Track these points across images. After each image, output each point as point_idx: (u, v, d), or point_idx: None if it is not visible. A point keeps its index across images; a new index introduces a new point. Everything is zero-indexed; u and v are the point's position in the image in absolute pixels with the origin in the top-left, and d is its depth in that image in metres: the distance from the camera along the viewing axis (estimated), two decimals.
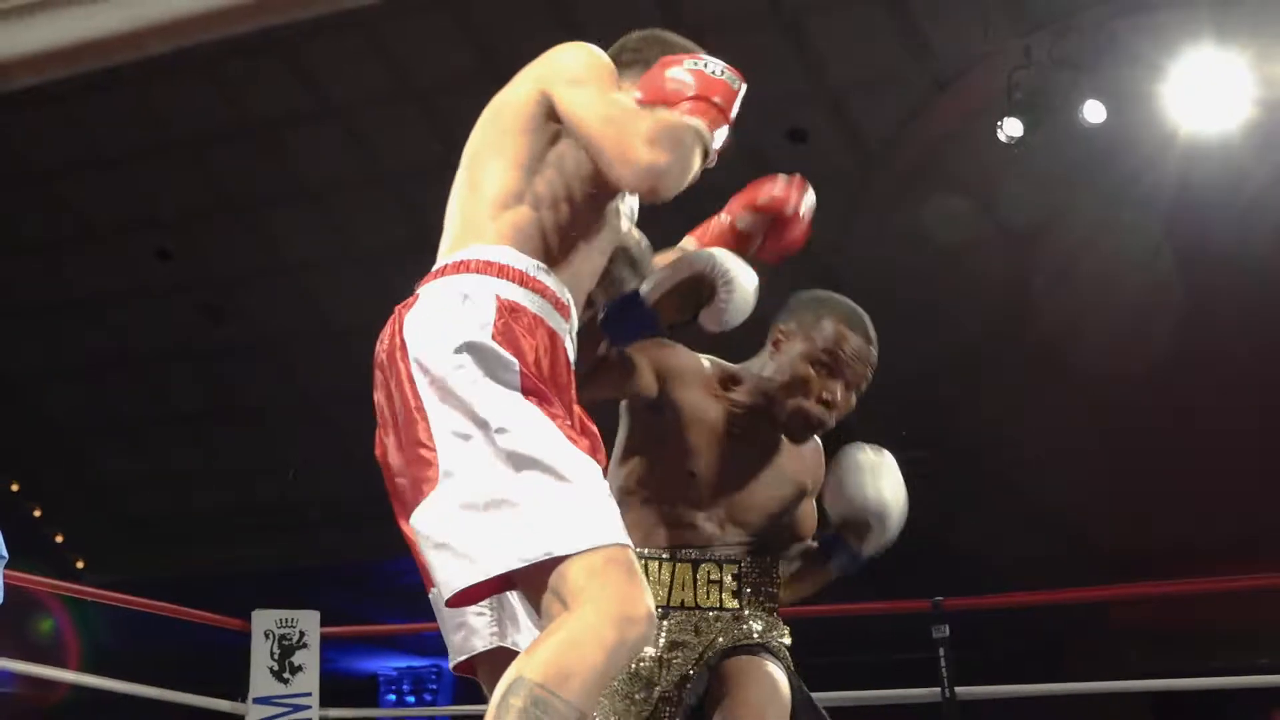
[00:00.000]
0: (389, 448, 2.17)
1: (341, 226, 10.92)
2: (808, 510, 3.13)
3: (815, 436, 3.07)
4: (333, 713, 5.92)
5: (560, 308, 2.25)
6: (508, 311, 2.15)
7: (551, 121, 2.29)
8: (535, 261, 2.23)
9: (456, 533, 2.02)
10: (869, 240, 10.04)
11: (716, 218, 2.89)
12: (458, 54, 10.07)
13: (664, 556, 2.91)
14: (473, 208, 2.29)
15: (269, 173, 11.17)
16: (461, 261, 2.22)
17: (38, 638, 11.49)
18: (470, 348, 2.10)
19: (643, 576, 2.00)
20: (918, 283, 9.90)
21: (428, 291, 2.22)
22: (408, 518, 2.11)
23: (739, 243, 2.84)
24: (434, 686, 13.91)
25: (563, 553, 1.96)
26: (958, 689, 5.12)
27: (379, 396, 2.20)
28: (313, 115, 10.72)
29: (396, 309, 2.23)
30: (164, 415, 12.88)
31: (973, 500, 10.65)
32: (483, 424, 2.05)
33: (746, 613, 2.92)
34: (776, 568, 3.02)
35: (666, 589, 2.90)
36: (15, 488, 13.74)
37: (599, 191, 2.30)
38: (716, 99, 2.32)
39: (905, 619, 6.58)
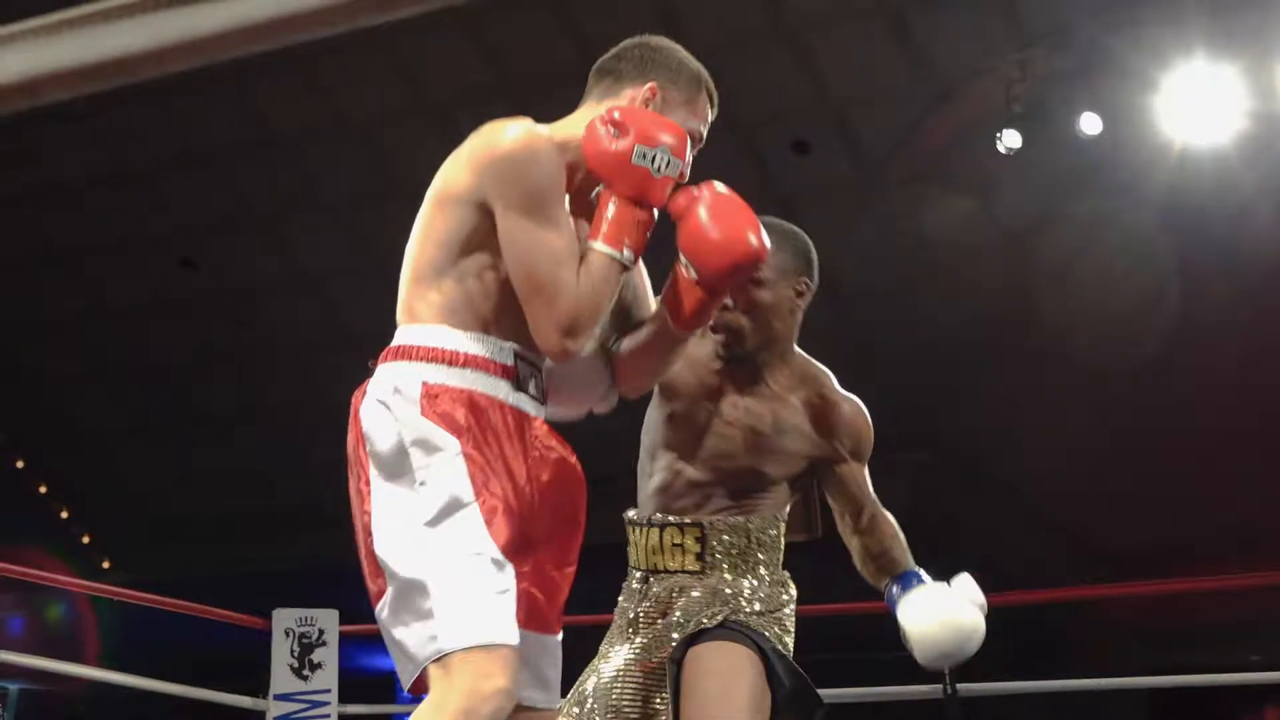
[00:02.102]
0: (356, 519, 2.33)
1: (361, 237, 11.04)
2: (825, 474, 3.03)
3: (849, 401, 3.04)
4: (351, 709, 5.88)
5: (499, 370, 2.35)
6: (433, 397, 2.28)
7: (483, 213, 2.35)
8: (468, 333, 2.35)
9: (399, 632, 2.24)
10: (871, 248, 10.14)
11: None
12: (473, 70, 10.19)
13: (643, 522, 2.97)
14: (408, 283, 2.41)
15: (290, 185, 11.30)
16: (399, 348, 2.35)
17: (66, 636, 11.54)
18: (411, 442, 2.25)
19: (509, 659, 2.18)
20: (918, 290, 10.00)
21: (374, 380, 2.35)
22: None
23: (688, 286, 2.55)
24: None
25: (451, 649, 2.16)
26: (959, 685, 5.10)
27: (349, 471, 2.36)
28: (332, 129, 10.84)
29: (354, 398, 2.37)
30: (188, 418, 12.97)
31: (972, 499, 10.71)
32: (416, 520, 2.22)
33: (704, 579, 2.90)
34: (767, 525, 2.97)
35: (645, 554, 2.95)
36: (44, 489, 13.84)
37: None
38: (647, 207, 2.40)
39: None
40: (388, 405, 2.29)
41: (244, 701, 5.88)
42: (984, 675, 5.49)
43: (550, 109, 9.61)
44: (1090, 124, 8.73)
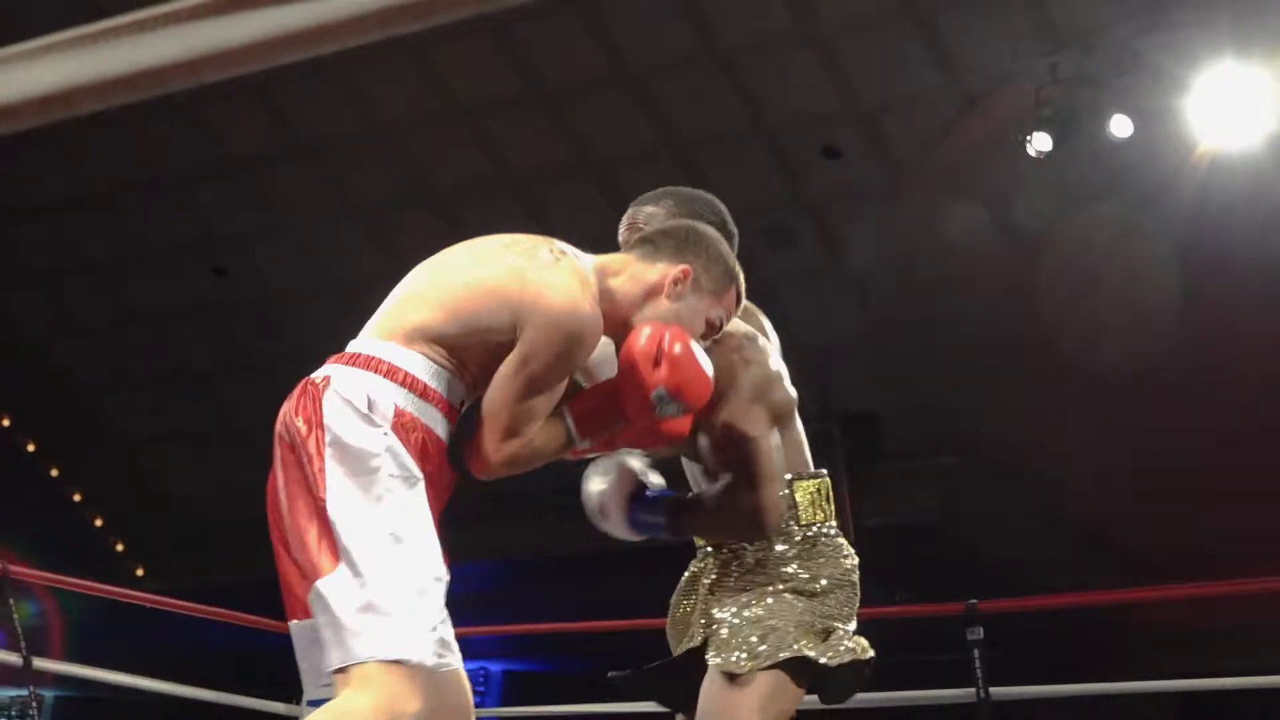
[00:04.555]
0: (282, 499, 2.43)
1: (390, 243, 11.10)
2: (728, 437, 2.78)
3: (732, 336, 2.83)
4: None
5: (448, 411, 2.48)
6: (403, 422, 2.39)
7: (509, 326, 2.47)
8: (440, 369, 2.46)
9: (341, 620, 2.29)
10: (901, 252, 10.16)
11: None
12: (502, 77, 10.24)
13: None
14: (412, 314, 2.50)
15: (320, 192, 11.38)
16: (375, 359, 2.45)
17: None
18: (385, 451, 2.35)
19: (428, 687, 2.29)
20: (948, 293, 10.02)
21: (341, 382, 2.43)
22: (289, 562, 2.41)
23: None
24: (481, 688, 13.95)
25: (399, 657, 2.26)
26: (992, 689, 5.07)
27: (282, 456, 2.44)
28: (362, 136, 10.91)
29: (307, 385, 2.46)
30: (220, 426, 13.07)
31: (1002, 504, 10.71)
32: (388, 523, 2.32)
33: (714, 605, 2.82)
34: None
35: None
36: (78, 498, 13.96)
37: None
38: (628, 425, 2.57)
39: (937, 622, 6.62)
40: (364, 413, 2.38)
41: (277, 708, 5.93)
42: (1011, 679, 5.50)
43: (577, 116, 9.70)
44: (1121, 127, 8.72)
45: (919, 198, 9.98)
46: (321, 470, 2.35)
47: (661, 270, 2.62)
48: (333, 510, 2.33)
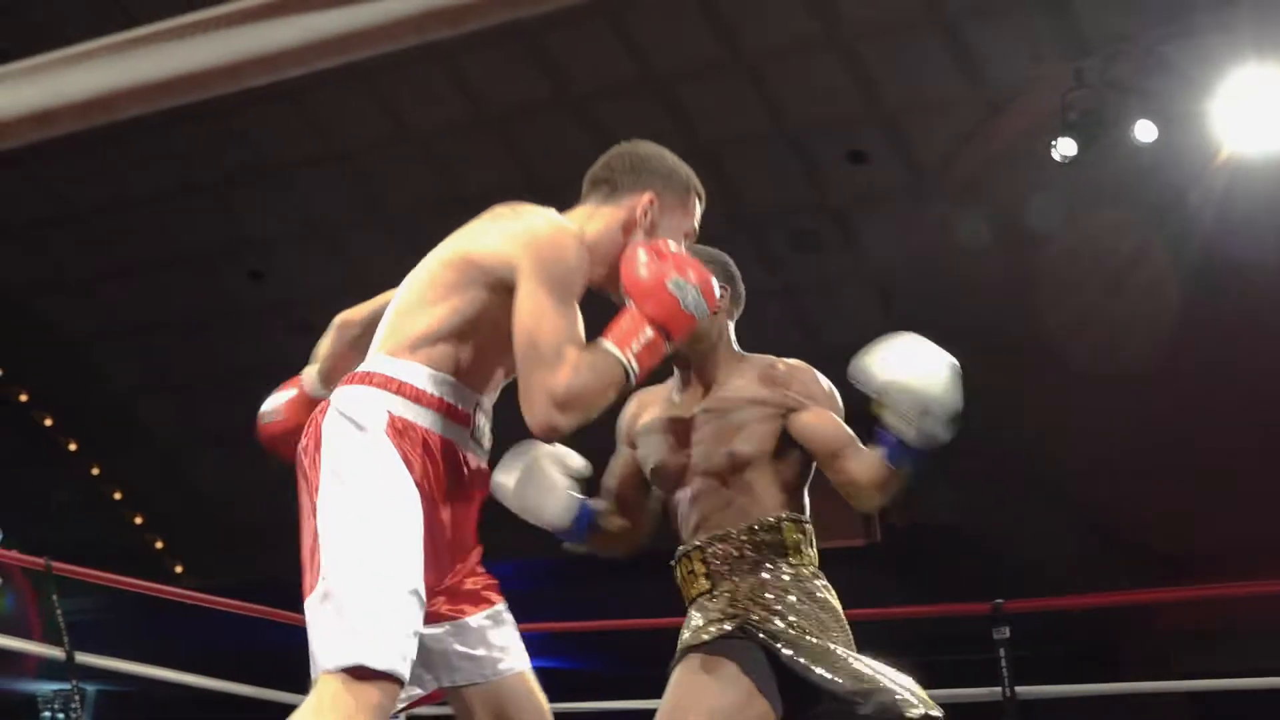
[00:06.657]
0: (304, 524, 2.43)
1: (424, 248, 11.15)
2: (773, 445, 3.04)
3: (794, 361, 3.12)
4: (417, 709, 6.02)
5: (457, 416, 2.48)
6: (398, 429, 2.40)
7: (504, 291, 2.46)
8: (440, 374, 2.47)
9: (320, 628, 2.31)
10: (925, 256, 10.17)
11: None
12: (531, 83, 10.29)
13: (674, 562, 3.12)
14: (408, 323, 2.52)
15: (354, 197, 11.45)
16: (370, 374, 2.47)
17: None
18: (372, 464, 2.37)
19: (393, 695, 2.30)
20: (972, 297, 10.01)
21: (339, 399, 2.46)
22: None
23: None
24: None
25: (366, 664, 2.26)
26: (1018, 689, 5.10)
27: (299, 481, 2.48)
28: (395, 141, 10.98)
29: (314, 416, 2.49)
30: (256, 426, 13.16)
31: (1021, 505, 10.68)
32: (365, 535, 2.33)
33: (715, 595, 3.00)
34: (771, 527, 3.02)
35: (683, 589, 3.11)
36: (118, 496, 14.08)
37: None
38: (668, 336, 2.50)
39: (962, 621, 6.61)
40: (357, 423, 2.41)
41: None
42: (1036, 679, 5.49)
43: (605, 121, 9.81)
44: (1145, 131, 8.72)
45: (943, 202, 10.00)
46: (318, 484, 2.39)
47: (628, 204, 2.67)
48: (321, 523, 2.36)
